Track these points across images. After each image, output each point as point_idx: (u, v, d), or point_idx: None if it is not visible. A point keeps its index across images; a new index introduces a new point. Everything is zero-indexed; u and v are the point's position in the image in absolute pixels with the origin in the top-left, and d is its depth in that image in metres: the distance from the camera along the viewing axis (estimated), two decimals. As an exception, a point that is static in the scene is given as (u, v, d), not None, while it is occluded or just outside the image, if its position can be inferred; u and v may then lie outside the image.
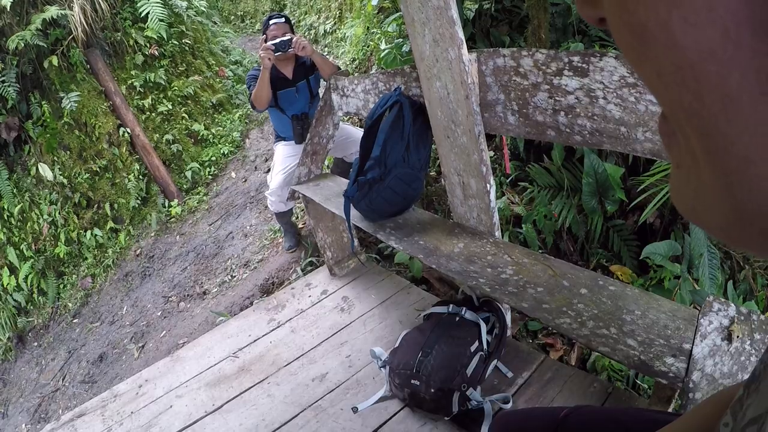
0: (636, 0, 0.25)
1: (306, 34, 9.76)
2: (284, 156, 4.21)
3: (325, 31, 8.87)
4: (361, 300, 3.38)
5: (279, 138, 4.33)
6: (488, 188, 2.20)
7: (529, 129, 1.96)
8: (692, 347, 1.46)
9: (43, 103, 6.26)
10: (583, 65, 1.66)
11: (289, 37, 3.61)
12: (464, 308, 2.41)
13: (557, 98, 1.79)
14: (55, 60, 6.07)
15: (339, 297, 3.49)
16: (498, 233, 2.30)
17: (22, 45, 5.79)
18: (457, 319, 2.40)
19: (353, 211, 2.66)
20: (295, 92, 4.00)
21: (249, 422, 2.67)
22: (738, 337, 1.43)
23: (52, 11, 5.95)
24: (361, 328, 3.12)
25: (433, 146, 2.55)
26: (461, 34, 1.98)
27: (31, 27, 5.88)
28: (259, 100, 3.81)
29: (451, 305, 2.47)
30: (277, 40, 3.58)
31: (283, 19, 3.81)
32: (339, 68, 3.80)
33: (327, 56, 3.87)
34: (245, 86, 4.44)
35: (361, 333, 3.09)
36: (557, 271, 1.93)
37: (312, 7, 9.78)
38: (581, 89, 1.70)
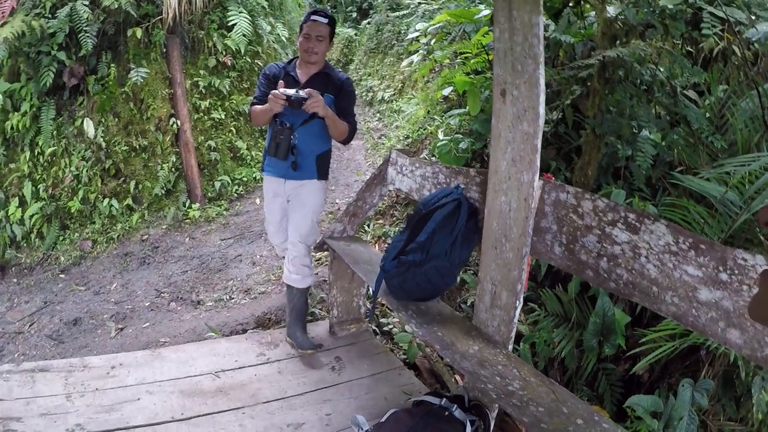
0: None
1: (364, 95, 9.98)
2: (267, 197, 3.72)
3: (382, 97, 9.07)
4: (354, 366, 3.41)
5: (265, 154, 3.65)
6: (517, 304, 2.31)
7: (570, 264, 2.10)
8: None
9: (111, 65, 6.43)
10: (636, 223, 1.82)
11: (306, 95, 3.10)
12: (455, 405, 2.48)
13: (605, 245, 1.94)
14: (139, 32, 6.30)
15: (332, 356, 3.52)
16: (510, 347, 2.39)
17: (116, 6, 6.02)
18: (447, 413, 2.45)
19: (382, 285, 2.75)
20: None
21: (214, 444, 2.68)
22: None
23: None
24: (347, 393, 3.15)
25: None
26: (538, 163, 2.13)
27: None
28: (256, 121, 3.53)
29: (444, 399, 2.53)
30: (292, 93, 3.11)
31: (326, 20, 3.35)
32: (353, 131, 3.49)
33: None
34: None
35: (345, 396, 3.11)
36: (559, 397, 2.03)
37: (377, 71, 10.04)
38: (628, 243, 1.85)
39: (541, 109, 2.08)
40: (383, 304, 3.97)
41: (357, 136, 8.69)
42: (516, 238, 2.26)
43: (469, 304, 3.99)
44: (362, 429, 2.48)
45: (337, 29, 12.82)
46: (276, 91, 3.13)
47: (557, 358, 3.59)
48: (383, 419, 2.49)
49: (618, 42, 3.78)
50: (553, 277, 3.94)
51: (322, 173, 3.55)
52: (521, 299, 2.33)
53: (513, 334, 2.40)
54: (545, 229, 2.19)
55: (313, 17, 3.32)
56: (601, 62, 3.56)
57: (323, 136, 3.45)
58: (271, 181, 3.60)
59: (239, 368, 3.28)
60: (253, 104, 3.47)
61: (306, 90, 3.13)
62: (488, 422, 2.50)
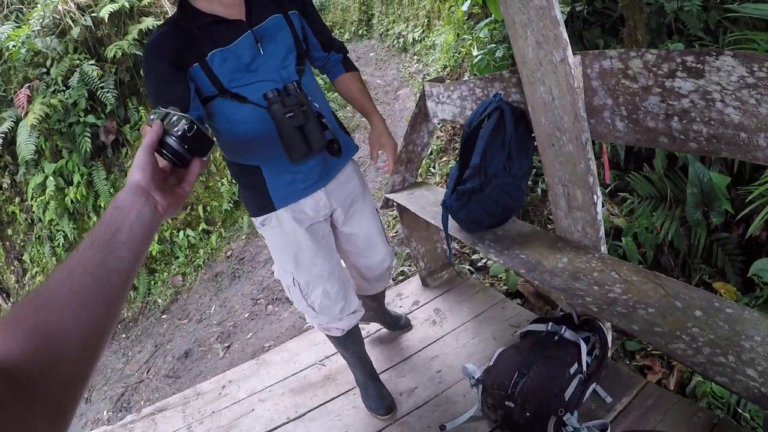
0: None
1: (395, 42, 9.75)
2: (309, 246, 2.24)
3: (413, 39, 8.85)
4: (454, 313, 3.25)
5: (248, 190, 2.21)
6: (595, 199, 2.06)
7: (639, 136, 1.82)
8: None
9: (140, 108, 6.51)
10: (698, 65, 1.53)
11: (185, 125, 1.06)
12: (564, 327, 2.28)
13: (670, 102, 1.65)
14: (151, 69, 6.28)
15: (431, 309, 3.37)
16: (603, 248, 2.15)
17: (120, 54, 6.10)
18: (556, 338, 2.26)
19: (451, 222, 2.54)
20: (255, 43, 1.93)
21: (331, 433, 2.63)
22: None
23: (148, 22, 6.30)
24: (453, 343, 3.01)
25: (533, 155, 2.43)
26: (565, 36, 1.87)
27: (128, 37, 6.22)
28: None
29: (550, 323, 2.34)
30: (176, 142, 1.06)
31: None
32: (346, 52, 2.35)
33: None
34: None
35: (452, 348, 2.97)
36: (669, 291, 1.78)
37: (400, 15, 9.78)
38: (696, 92, 1.56)
39: (547, -25, 1.81)
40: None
41: (402, 84, 8.63)
42: (570, 127, 2.00)
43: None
44: (474, 377, 2.32)
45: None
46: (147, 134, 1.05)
47: (665, 242, 3.32)
48: (491, 362, 2.33)
49: None
50: (636, 159, 3.65)
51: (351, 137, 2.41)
52: (599, 193, 2.08)
53: (602, 233, 2.15)
54: (600, 106, 1.92)
55: None
56: None
57: (318, 84, 2.32)
58: (303, 210, 2.22)
59: (341, 350, 3.20)
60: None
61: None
62: (603, 334, 2.29)
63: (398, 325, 3.19)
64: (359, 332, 2.66)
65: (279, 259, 2.32)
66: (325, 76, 2.38)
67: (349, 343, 2.60)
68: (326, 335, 2.56)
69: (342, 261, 2.55)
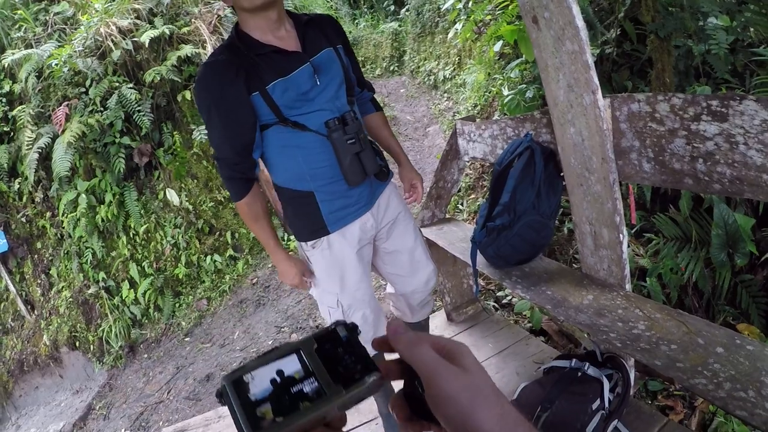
0: None
1: (426, 79, 9.82)
2: (354, 269, 2.34)
3: (444, 77, 8.89)
4: (478, 348, 3.26)
5: (299, 215, 2.26)
6: (621, 239, 2.11)
7: (665, 177, 1.87)
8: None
9: (174, 133, 6.65)
10: (722, 109, 1.59)
11: None
12: (587, 363, 2.30)
13: (695, 145, 1.71)
14: (188, 94, 6.47)
15: (456, 344, 3.37)
16: (628, 286, 2.19)
17: (158, 78, 6.25)
18: (579, 374, 2.28)
19: (479, 257, 2.59)
20: (313, 74, 2.04)
21: (352, 461, 2.61)
22: None
23: (187, 49, 6.41)
24: (477, 377, 3.01)
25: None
26: (596, 80, 1.93)
27: (166, 63, 6.35)
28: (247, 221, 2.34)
29: (573, 360, 2.36)
30: None
31: None
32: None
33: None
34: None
35: (476, 382, 2.97)
36: (692, 328, 1.81)
37: (431, 53, 9.87)
38: (720, 135, 1.62)
39: (579, 22, 1.87)
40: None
41: (432, 121, 8.68)
42: (598, 168, 2.06)
43: (581, 253, 3.80)
44: (496, 411, 2.33)
45: (380, 26, 12.80)
46: None
47: (689, 284, 3.32)
48: (515, 396, 2.35)
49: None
50: (662, 200, 3.67)
51: None
52: (624, 232, 2.12)
53: (627, 272, 2.19)
54: (628, 148, 1.98)
55: None
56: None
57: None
58: (353, 233, 2.30)
59: (365, 380, 3.21)
60: (232, 183, 2.20)
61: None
62: (626, 372, 2.31)
63: None
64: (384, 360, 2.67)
65: (324, 280, 2.37)
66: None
67: None
68: None
69: (391, 287, 2.70)
